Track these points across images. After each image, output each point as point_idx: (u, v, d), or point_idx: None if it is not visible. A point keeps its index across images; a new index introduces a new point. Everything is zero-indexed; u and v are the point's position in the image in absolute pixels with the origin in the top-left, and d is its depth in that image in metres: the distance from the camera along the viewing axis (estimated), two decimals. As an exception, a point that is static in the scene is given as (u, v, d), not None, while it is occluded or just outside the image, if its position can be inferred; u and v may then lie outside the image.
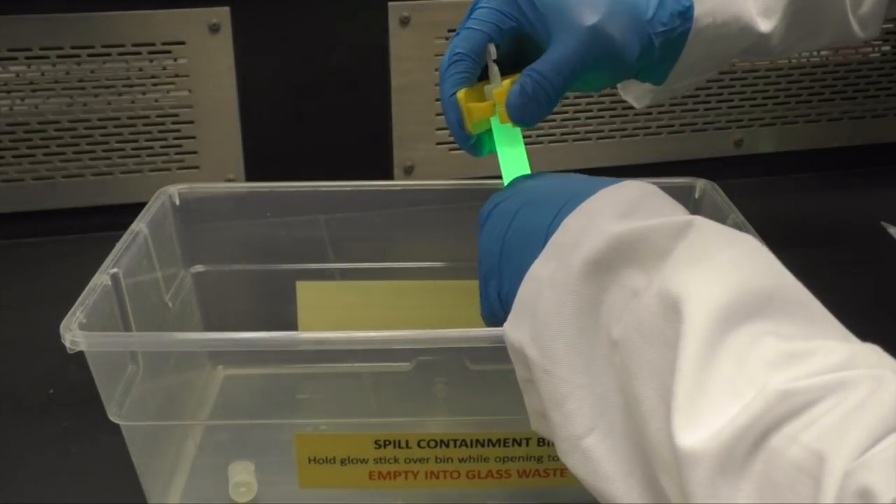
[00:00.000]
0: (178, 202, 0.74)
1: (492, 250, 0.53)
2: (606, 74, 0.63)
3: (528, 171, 0.61)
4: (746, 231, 0.70)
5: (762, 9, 0.67)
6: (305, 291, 0.71)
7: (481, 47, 0.60)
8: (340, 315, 0.71)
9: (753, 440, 0.36)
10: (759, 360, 0.38)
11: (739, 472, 0.36)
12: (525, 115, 0.59)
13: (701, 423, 0.37)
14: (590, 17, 0.59)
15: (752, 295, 0.40)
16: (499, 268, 0.52)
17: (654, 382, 0.40)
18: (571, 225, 0.48)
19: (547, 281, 0.47)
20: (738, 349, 0.38)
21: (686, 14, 0.63)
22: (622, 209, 0.47)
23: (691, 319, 0.39)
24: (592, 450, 0.44)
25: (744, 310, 0.40)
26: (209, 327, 0.77)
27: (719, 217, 0.74)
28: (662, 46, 0.63)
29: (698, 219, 0.45)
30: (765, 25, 0.67)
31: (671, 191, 0.79)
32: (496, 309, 0.53)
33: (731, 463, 0.36)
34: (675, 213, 0.47)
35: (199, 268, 0.77)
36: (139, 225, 0.68)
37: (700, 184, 0.78)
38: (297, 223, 0.76)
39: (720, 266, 0.41)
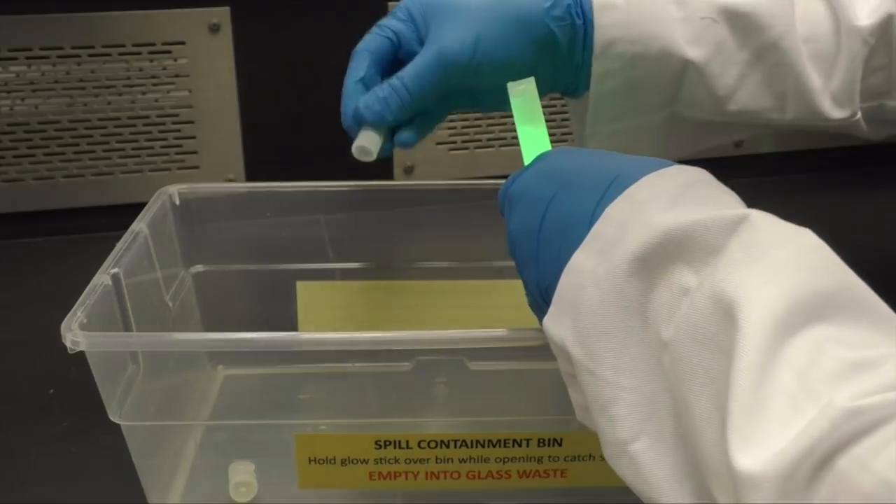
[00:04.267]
0: (178, 202, 0.74)
1: (527, 239, 0.50)
2: (493, 81, 0.63)
3: (548, 148, 0.59)
4: None
5: (690, 36, 0.65)
6: (305, 291, 0.71)
7: (381, 47, 0.64)
8: (340, 315, 0.71)
9: (818, 462, 0.33)
10: (822, 373, 0.35)
11: (802, 497, 0.33)
12: (372, 114, 0.62)
13: (760, 444, 0.34)
14: (457, 23, 0.61)
15: (812, 297, 0.38)
16: (536, 257, 0.49)
17: (707, 391, 0.38)
18: (614, 214, 0.45)
19: (589, 275, 0.44)
20: (798, 359, 0.36)
21: (583, 6, 0.63)
22: (669, 198, 0.44)
23: (747, 326, 0.37)
24: (640, 455, 0.42)
25: (804, 314, 0.37)
26: (209, 327, 0.77)
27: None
28: (565, 50, 0.64)
29: (753, 213, 0.42)
30: (693, 52, 0.65)
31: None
32: (537, 300, 0.51)
33: (794, 487, 0.33)
34: (727, 204, 0.44)
35: (199, 268, 0.77)
36: (139, 225, 0.68)
37: None
38: (297, 223, 0.76)
39: (777, 266, 0.39)
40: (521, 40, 0.62)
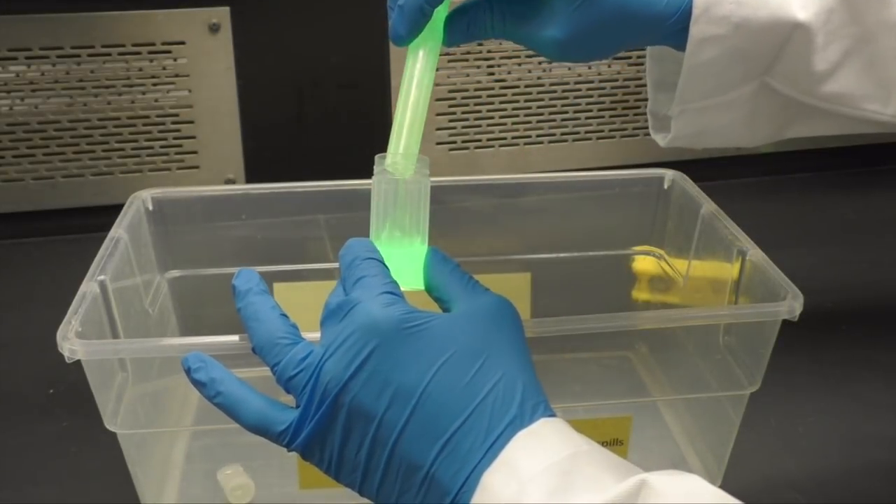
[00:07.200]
0: (150, 207, 0.73)
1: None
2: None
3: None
4: (721, 222, 0.69)
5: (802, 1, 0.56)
6: (283, 293, 0.71)
7: None
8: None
9: None
10: None
11: None
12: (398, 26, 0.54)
13: None
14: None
15: None
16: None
17: None
18: (496, 487, 0.42)
19: None
20: None
21: None
22: (555, 480, 0.42)
23: None
24: None
25: None
26: (186, 332, 0.76)
27: (691, 207, 0.73)
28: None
29: (648, 478, 0.41)
30: (804, 15, 0.56)
31: (638, 182, 0.79)
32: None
33: None
34: (616, 477, 0.42)
35: (174, 272, 0.76)
36: (118, 231, 0.67)
37: (669, 175, 0.77)
38: (297, 223, 0.76)
39: None
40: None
